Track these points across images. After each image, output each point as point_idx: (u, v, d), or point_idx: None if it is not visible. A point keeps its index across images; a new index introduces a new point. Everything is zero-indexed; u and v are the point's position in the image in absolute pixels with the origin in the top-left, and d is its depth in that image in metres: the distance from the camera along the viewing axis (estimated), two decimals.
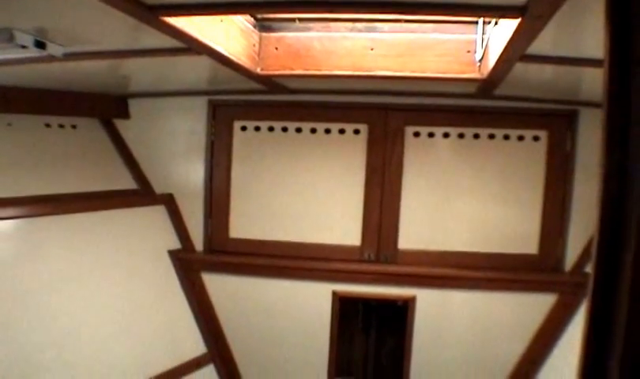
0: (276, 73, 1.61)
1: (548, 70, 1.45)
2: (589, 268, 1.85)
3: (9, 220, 1.56)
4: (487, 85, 1.64)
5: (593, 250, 0.60)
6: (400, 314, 2.13)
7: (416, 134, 2.07)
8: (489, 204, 2.05)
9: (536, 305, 2.04)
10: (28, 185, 1.67)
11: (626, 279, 0.59)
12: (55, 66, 1.37)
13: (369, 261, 2.08)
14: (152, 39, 1.14)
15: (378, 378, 2.31)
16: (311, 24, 1.59)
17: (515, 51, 1.19)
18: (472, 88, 1.75)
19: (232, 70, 1.50)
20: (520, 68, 1.34)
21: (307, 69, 1.60)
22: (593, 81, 1.42)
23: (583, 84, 1.64)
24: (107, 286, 1.81)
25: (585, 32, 1.08)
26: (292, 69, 1.60)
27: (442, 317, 2.08)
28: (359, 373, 2.34)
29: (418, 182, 2.06)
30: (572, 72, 1.41)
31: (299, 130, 2.12)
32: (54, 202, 1.70)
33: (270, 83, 1.78)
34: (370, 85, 1.86)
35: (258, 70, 1.59)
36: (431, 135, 2.06)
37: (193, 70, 1.72)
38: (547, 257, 2.01)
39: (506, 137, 2.03)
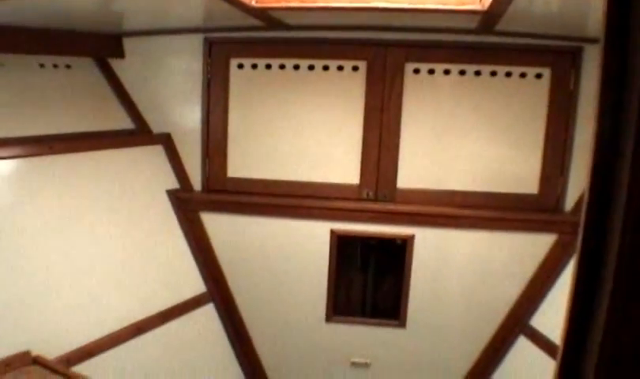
0: (272, 5, 1.59)
1: (553, 0, 1.42)
2: None
3: (3, 160, 1.55)
4: (489, 19, 1.61)
5: (586, 189, 0.60)
6: (398, 254, 2.15)
7: (416, 71, 2.05)
8: (490, 142, 2.06)
9: (535, 246, 2.08)
10: (22, 126, 1.68)
11: (618, 215, 0.58)
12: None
13: (367, 200, 2.10)
14: None
15: (376, 317, 2.34)
16: None
17: None
18: (473, 23, 1.72)
19: (227, 3, 1.47)
20: None
21: (304, 1, 1.56)
22: (599, 14, 1.38)
23: (589, 17, 1.61)
24: (105, 226, 1.83)
25: None
26: (289, 1, 1.56)
27: (440, 257, 2.11)
28: (357, 312, 2.37)
29: (417, 120, 2.06)
30: (577, 2, 1.38)
31: (296, 67, 2.10)
32: (49, 142, 1.69)
33: (266, 17, 1.75)
34: (369, 19, 1.84)
35: (254, 3, 1.56)
36: (431, 72, 2.05)
37: (188, 5, 1.69)
38: (548, 196, 2.03)
39: (508, 75, 2.01)
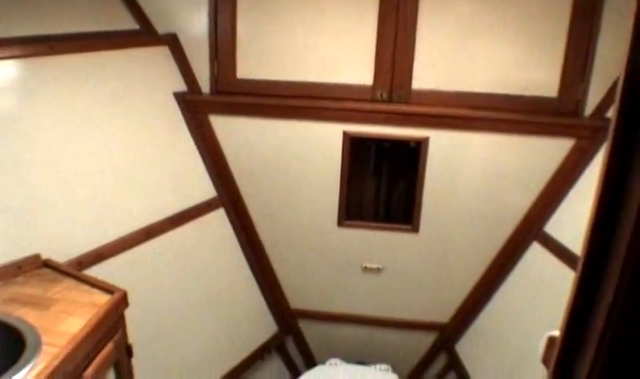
0: None
1: None
2: (610, 114, 1.80)
3: (1, 61, 1.49)
4: None
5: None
6: (412, 157, 2.13)
7: None
8: (509, 44, 2.03)
9: (552, 150, 2.07)
10: (19, 26, 1.59)
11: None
12: None
13: (381, 101, 2.06)
14: None
15: (388, 222, 2.37)
16: None
17: None
18: None
19: None
20: None
21: None
22: None
23: None
24: (111, 129, 1.85)
25: None
26: None
27: (455, 160, 2.11)
28: (369, 217, 2.38)
29: (435, 19, 2.02)
30: None
31: None
32: (49, 42, 1.63)
33: None
34: None
35: None
36: None
37: None
38: (567, 100, 2.00)
39: None
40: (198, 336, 2.19)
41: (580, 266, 0.77)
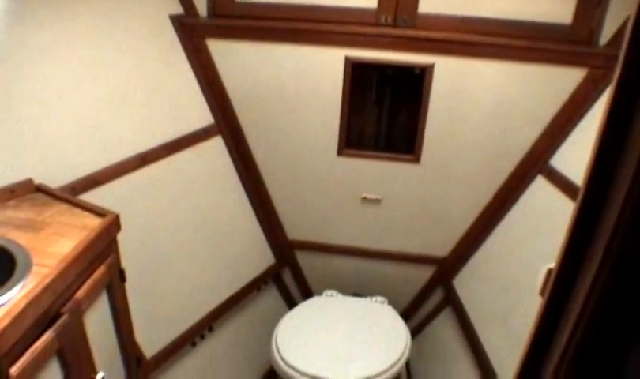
0: None
1: None
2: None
3: None
4: None
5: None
6: (416, 85, 2.08)
7: None
8: None
9: (562, 80, 2.01)
10: None
11: None
12: None
13: (386, 25, 1.99)
14: None
15: (389, 151, 2.35)
16: None
17: None
18: None
19: None
20: None
21: None
22: None
23: None
24: (105, 52, 1.79)
25: None
26: None
27: (460, 88, 2.06)
28: (370, 146, 2.36)
29: None
30: None
31: None
32: None
33: None
34: None
35: None
36: None
37: None
38: (581, 28, 1.94)
39: None
40: (194, 265, 2.19)
41: (580, 197, 0.76)
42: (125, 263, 1.48)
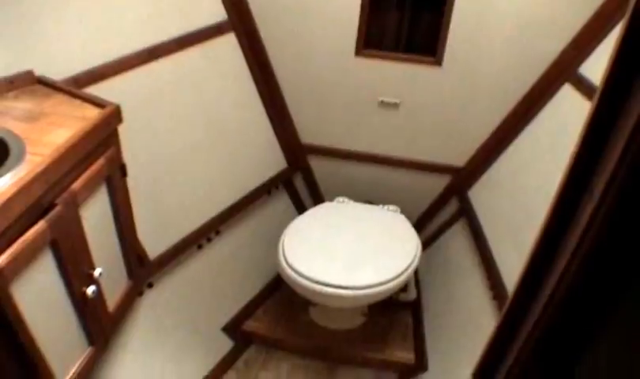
0: None
1: None
2: None
3: None
4: None
5: None
6: None
7: None
8: None
9: None
10: None
11: None
12: None
13: None
14: None
15: (410, 52, 2.25)
16: None
17: None
18: None
19: None
20: None
21: None
22: None
23: None
24: None
25: None
26: None
27: None
28: (389, 47, 2.29)
29: None
30: None
31: None
32: None
33: None
34: None
35: None
36: None
37: None
38: None
39: None
40: (202, 167, 2.14)
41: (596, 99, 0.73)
42: (129, 161, 1.44)
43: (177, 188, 2.02)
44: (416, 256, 2.17)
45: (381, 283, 2.02)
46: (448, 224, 2.64)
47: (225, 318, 2.46)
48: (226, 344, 2.45)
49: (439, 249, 2.69)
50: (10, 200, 0.93)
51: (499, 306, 1.76)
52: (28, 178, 0.98)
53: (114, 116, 1.34)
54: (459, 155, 2.47)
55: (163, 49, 1.86)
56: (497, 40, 2.05)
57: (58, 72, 1.49)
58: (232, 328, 2.48)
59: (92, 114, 1.29)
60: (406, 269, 2.10)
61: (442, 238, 2.68)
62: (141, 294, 1.86)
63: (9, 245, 0.95)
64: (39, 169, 1.01)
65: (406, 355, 2.42)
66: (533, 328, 0.82)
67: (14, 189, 0.94)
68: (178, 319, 2.14)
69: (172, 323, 2.10)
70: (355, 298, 1.99)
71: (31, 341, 1.03)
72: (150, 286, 1.92)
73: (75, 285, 1.17)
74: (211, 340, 2.38)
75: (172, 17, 1.90)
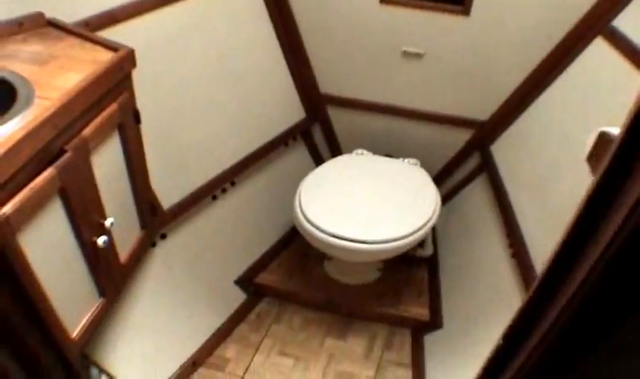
0: None
1: None
2: None
3: None
4: None
5: None
6: None
7: None
8: None
9: None
10: None
11: None
12: None
13: None
14: None
15: (437, 0, 2.12)
16: None
17: None
18: None
19: None
20: None
21: None
22: None
23: None
24: None
25: None
26: None
27: None
28: None
29: None
30: None
31: None
32: None
33: None
34: None
35: None
36: None
37: None
38: None
39: None
40: (218, 116, 2.09)
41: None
42: (142, 108, 1.39)
43: (192, 137, 1.97)
44: (434, 212, 2.13)
45: (398, 238, 1.98)
46: (468, 179, 2.58)
47: (238, 271, 2.45)
48: (239, 297, 2.45)
49: (458, 204, 2.64)
50: (18, 145, 0.89)
51: (518, 264, 1.73)
52: (36, 122, 0.94)
53: (127, 60, 1.28)
54: (482, 109, 2.38)
55: None
56: None
57: (68, 15, 1.44)
58: (245, 281, 2.48)
59: (105, 57, 1.24)
60: (424, 225, 2.05)
61: (462, 193, 2.62)
62: (153, 244, 1.84)
63: (16, 192, 0.92)
64: (47, 113, 0.97)
65: (421, 311, 2.40)
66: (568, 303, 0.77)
67: (22, 133, 0.90)
68: (191, 271, 2.13)
69: (185, 274, 2.09)
70: (371, 252, 1.96)
71: (39, 292, 1.01)
72: (163, 237, 1.89)
73: (85, 235, 1.14)
74: (224, 293, 2.37)
75: None
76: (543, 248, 1.61)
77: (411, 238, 2.01)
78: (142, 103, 1.40)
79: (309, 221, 1.98)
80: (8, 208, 0.89)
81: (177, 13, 1.79)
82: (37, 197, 0.96)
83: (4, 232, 0.88)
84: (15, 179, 0.91)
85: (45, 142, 0.97)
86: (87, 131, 1.12)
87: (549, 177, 1.79)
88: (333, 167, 2.35)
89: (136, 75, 1.35)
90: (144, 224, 1.51)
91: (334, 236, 1.92)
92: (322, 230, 1.94)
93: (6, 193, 0.90)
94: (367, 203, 2.12)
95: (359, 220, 2.01)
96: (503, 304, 1.79)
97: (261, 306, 2.51)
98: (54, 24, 1.38)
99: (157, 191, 1.78)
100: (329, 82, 2.51)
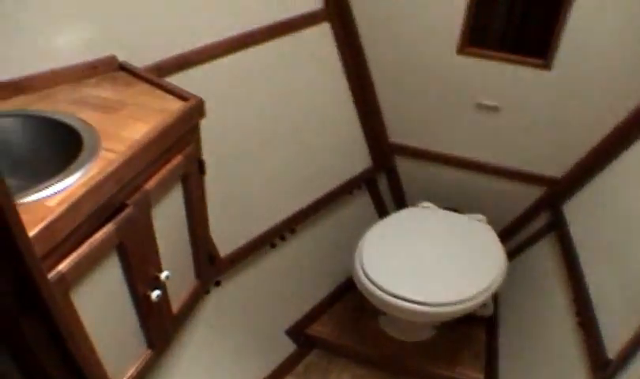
0: None
1: None
2: None
3: None
4: None
5: None
6: None
7: None
8: None
9: None
10: None
11: None
12: None
13: None
14: None
15: (517, 52, 2.03)
16: None
17: None
18: None
19: None
20: None
21: None
22: None
23: None
24: None
25: None
26: None
27: None
28: (495, 45, 2.08)
29: None
30: None
31: None
32: None
33: None
34: None
35: None
36: None
37: None
38: None
39: None
40: (282, 162, 2.05)
41: None
42: (205, 153, 1.36)
43: (254, 182, 1.94)
44: (499, 275, 2.02)
45: (459, 302, 1.88)
46: (536, 238, 2.44)
47: (290, 320, 2.39)
48: (288, 347, 2.38)
49: (523, 263, 2.49)
50: (79, 201, 0.86)
51: (585, 335, 1.60)
52: (99, 178, 0.91)
53: (196, 110, 1.25)
54: (557, 165, 2.25)
55: (252, 37, 1.77)
56: (616, 46, 1.84)
57: (141, 58, 1.44)
58: (296, 331, 2.41)
59: (174, 106, 1.22)
60: (487, 289, 1.95)
61: (528, 252, 2.48)
62: (207, 291, 1.81)
63: (73, 249, 0.89)
64: (111, 168, 0.94)
65: (476, 375, 2.27)
66: None
67: (84, 190, 0.88)
68: (243, 318, 2.08)
69: (236, 322, 2.05)
70: (429, 314, 1.87)
71: (87, 347, 0.97)
72: (217, 284, 1.85)
73: (139, 289, 1.11)
74: (273, 342, 2.31)
75: (265, 3, 1.81)
76: (616, 325, 1.49)
77: (472, 302, 1.91)
78: (205, 147, 1.36)
79: (368, 277, 1.91)
80: (63, 266, 0.86)
81: (248, 57, 1.77)
82: (94, 254, 0.93)
83: (58, 290, 0.86)
84: (73, 236, 0.88)
85: (107, 197, 0.95)
86: (150, 184, 1.09)
87: (629, 245, 1.66)
88: (396, 221, 2.27)
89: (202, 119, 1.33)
90: (199, 274, 1.47)
91: (392, 295, 1.85)
92: (380, 287, 1.87)
93: (64, 250, 0.87)
94: (430, 261, 2.03)
95: (420, 280, 1.92)
96: (566, 375, 1.68)
97: (310, 358, 2.43)
98: (125, 69, 1.39)
99: (216, 238, 1.74)
100: (398, 130, 2.44)
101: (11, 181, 1.04)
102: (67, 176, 0.91)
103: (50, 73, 1.25)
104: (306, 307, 2.47)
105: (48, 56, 1.26)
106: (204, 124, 1.34)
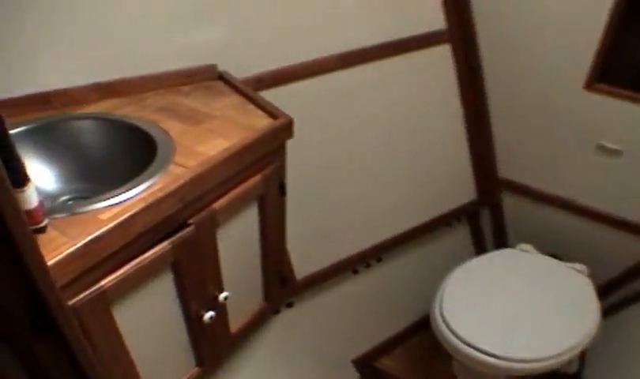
0: None
1: None
2: None
3: None
4: None
5: None
6: None
7: None
8: None
9: None
10: None
11: None
12: None
13: None
14: None
15: None
16: None
17: None
18: None
19: None
20: None
21: None
22: None
23: None
24: None
25: None
26: None
27: None
28: (626, 82, 1.84)
29: None
30: None
31: None
32: None
33: None
34: None
35: None
36: None
37: None
38: None
39: None
40: (377, 182, 1.95)
41: None
42: (292, 170, 1.30)
43: (342, 203, 1.86)
44: (589, 335, 1.80)
45: (540, 359, 1.69)
46: (636, 298, 2.17)
47: (359, 350, 2.28)
48: (352, 377, 2.26)
49: (620, 322, 2.20)
50: (132, 218, 0.84)
51: None
52: (159, 195, 0.89)
53: (283, 130, 1.19)
54: None
55: (365, 54, 1.70)
56: None
57: (244, 68, 1.42)
58: (363, 362, 2.29)
59: (261, 124, 1.17)
60: (573, 348, 1.73)
61: (627, 311, 2.21)
62: (277, 311, 1.76)
63: (122, 264, 0.87)
64: (174, 185, 0.91)
65: None
66: None
67: (141, 206, 0.86)
68: (310, 341, 2.01)
69: (302, 346, 1.98)
70: (507, 369, 1.69)
71: (125, 361, 0.95)
72: (289, 305, 1.81)
73: (192, 309, 1.07)
74: (337, 370, 2.21)
75: (384, 20, 1.73)
76: None
77: (555, 361, 1.70)
78: (291, 162, 1.30)
79: (444, 320, 1.76)
80: (107, 282, 0.84)
81: (359, 74, 1.71)
82: (144, 271, 0.90)
83: (98, 305, 0.84)
84: (124, 250, 0.86)
85: (165, 215, 0.92)
86: (219, 203, 1.05)
87: None
88: (488, 262, 2.08)
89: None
90: (267, 296, 1.42)
91: (469, 345, 1.69)
92: (456, 335, 1.71)
93: (111, 264, 0.85)
94: (516, 310, 1.84)
95: (501, 331, 1.75)
96: None
97: None
98: (224, 79, 1.37)
99: (294, 258, 1.69)
100: (508, 165, 2.25)
101: (80, 186, 1.05)
102: (129, 189, 0.89)
103: (144, 77, 1.26)
104: (377, 339, 2.35)
105: (145, 60, 1.27)
106: (298, 138, 1.26)
